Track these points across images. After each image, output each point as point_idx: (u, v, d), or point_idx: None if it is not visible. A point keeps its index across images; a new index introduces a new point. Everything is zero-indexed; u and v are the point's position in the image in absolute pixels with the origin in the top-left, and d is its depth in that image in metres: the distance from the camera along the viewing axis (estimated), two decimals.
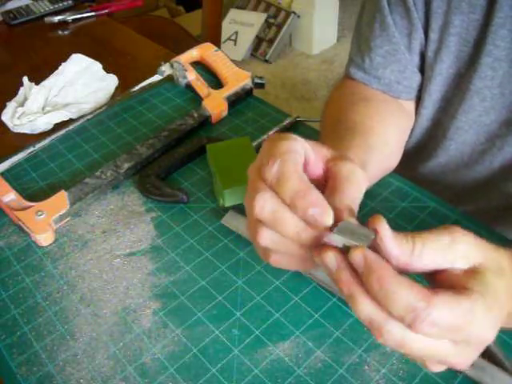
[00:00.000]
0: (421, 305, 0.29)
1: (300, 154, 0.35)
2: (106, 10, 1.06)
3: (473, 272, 0.32)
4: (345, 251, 0.32)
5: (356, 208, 0.35)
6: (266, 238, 0.35)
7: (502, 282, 0.33)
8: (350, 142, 0.51)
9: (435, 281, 0.33)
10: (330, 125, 0.58)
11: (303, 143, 0.36)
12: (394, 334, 0.31)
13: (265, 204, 0.34)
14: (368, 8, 0.63)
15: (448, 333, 0.31)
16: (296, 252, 0.36)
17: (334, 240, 0.33)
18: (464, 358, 0.33)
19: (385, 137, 0.55)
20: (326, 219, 0.32)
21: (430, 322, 0.29)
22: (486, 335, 0.32)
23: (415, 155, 0.71)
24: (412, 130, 0.68)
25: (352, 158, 0.45)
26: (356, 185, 0.36)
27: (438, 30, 0.57)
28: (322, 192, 0.34)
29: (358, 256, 0.31)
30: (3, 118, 0.75)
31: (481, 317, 0.31)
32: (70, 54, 0.82)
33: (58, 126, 0.73)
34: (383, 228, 0.32)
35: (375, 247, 0.32)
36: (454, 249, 0.32)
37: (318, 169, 0.37)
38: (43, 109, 0.77)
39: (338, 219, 0.33)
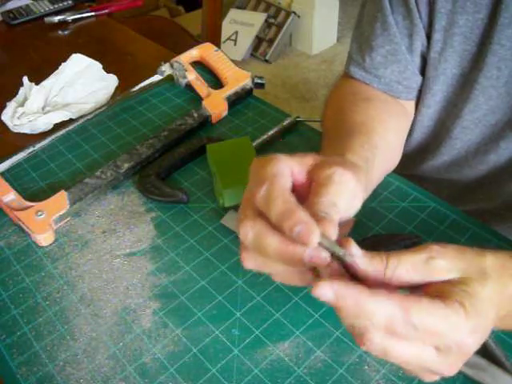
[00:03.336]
0: (399, 311, 0.31)
1: (286, 175, 0.36)
2: (106, 10, 1.06)
3: (455, 282, 0.33)
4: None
5: (338, 208, 0.36)
6: (249, 261, 0.37)
7: (486, 289, 0.33)
8: (352, 141, 0.51)
9: (422, 293, 0.34)
10: (332, 126, 0.58)
11: (288, 161, 0.38)
12: (376, 343, 0.32)
13: (248, 231, 0.35)
14: (369, 7, 0.62)
15: (427, 338, 0.31)
16: (283, 271, 0.37)
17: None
18: (448, 366, 0.33)
19: (386, 137, 0.55)
20: (311, 237, 0.32)
21: (410, 326, 0.31)
22: (467, 343, 0.32)
23: (417, 154, 0.71)
24: (413, 130, 0.68)
25: (352, 158, 0.45)
26: (334, 186, 0.36)
27: (442, 29, 0.57)
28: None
29: (325, 291, 0.31)
30: (3, 118, 0.75)
31: (460, 325, 0.31)
32: (70, 54, 0.82)
33: (57, 126, 0.73)
34: (353, 247, 0.33)
35: (350, 268, 0.34)
36: (431, 265, 0.33)
37: (305, 180, 0.39)
38: (43, 109, 0.77)
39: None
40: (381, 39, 0.60)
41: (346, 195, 0.37)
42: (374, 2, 0.60)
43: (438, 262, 0.33)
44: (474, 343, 0.32)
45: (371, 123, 0.56)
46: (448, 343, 0.32)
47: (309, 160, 0.39)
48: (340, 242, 0.34)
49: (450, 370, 0.33)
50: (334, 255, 0.33)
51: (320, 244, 0.33)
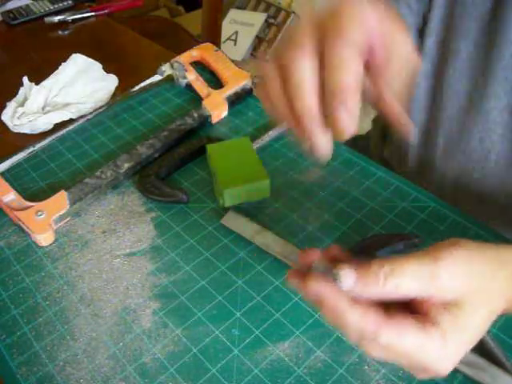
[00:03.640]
0: (370, 330, 0.31)
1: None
2: (106, 10, 1.06)
3: (447, 304, 0.32)
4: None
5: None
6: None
7: (478, 315, 0.32)
8: None
9: (409, 302, 0.33)
10: None
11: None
12: (353, 342, 0.33)
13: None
14: None
15: (397, 357, 0.32)
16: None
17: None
18: (425, 377, 0.34)
19: None
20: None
21: (378, 346, 0.31)
22: (438, 369, 0.32)
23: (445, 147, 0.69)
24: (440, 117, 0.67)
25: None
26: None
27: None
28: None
29: (313, 287, 0.33)
30: (3, 118, 0.75)
31: (433, 351, 0.31)
32: (70, 54, 0.82)
33: (57, 126, 0.73)
34: (346, 278, 0.32)
35: None
36: (433, 284, 0.32)
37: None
38: (43, 109, 0.77)
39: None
40: None
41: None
42: None
43: (441, 282, 0.32)
44: (449, 369, 0.33)
45: None
46: (418, 364, 0.32)
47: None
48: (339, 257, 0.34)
49: (427, 377, 0.34)
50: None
51: (315, 269, 0.33)
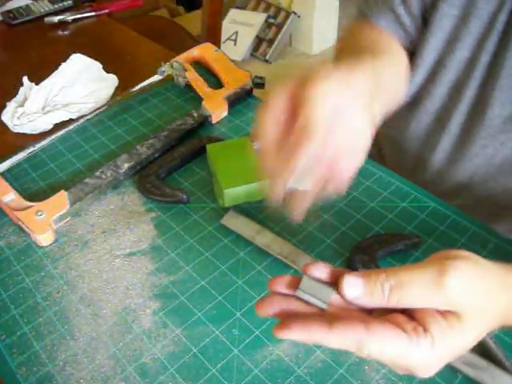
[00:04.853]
0: (352, 347, 0.31)
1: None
2: (106, 10, 1.06)
3: (446, 312, 0.32)
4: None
5: (317, 122, 0.38)
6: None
7: (473, 332, 0.32)
8: (349, 52, 0.52)
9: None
10: (336, 55, 0.61)
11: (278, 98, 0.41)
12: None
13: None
14: None
15: (386, 361, 0.32)
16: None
17: (300, 296, 0.33)
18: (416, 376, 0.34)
19: (391, 46, 0.58)
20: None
21: (363, 354, 0.31)
22: (421, 373, 0.33)
23: (423, 144, 0.70)
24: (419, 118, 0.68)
25: (341, 60, 0.47)
26: (310, 102, 0.39)
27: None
28: None
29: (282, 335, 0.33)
30: (3, 118, 0.75)
31: (418, 358, 0.31)
32: (70, 54, 0.82)
33: (57, 126, 0.73)
34: (349, 290, 0.32)
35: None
36: (437, 298, 0.31)
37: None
38: (43, 109, 0.77)
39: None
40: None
41: (325, 102, 0.39)
42: None
43: (446, 295, 0.31)
44: (430, 374, 0.33)
45: (376, 38, 0.58)
46: (400, 368, 0.33)
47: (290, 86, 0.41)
48: (337, 273, 0.34)
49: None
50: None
51: (298, 298, 0.33)
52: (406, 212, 0.59)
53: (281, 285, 0.34)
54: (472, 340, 0.33)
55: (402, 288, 0.31)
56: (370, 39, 0.61)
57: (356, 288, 0.32)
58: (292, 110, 0.40)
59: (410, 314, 0.32)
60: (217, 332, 0.49)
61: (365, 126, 0.42)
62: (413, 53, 0.64)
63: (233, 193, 0.58)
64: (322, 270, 0.34)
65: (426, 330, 0.31)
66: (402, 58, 0.62)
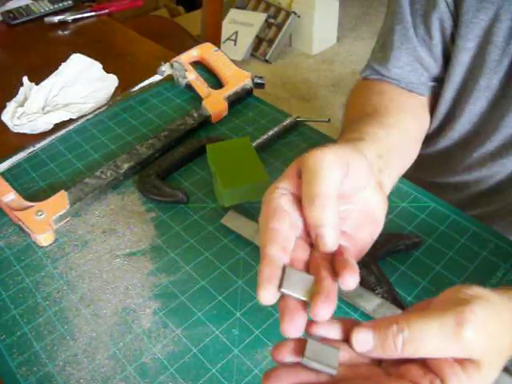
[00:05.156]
0: None
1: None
2: (106, 10, 1.06)
3: (464, 361, 0.31)
4: None
5: (329, 196, 0.35)
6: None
7: (490, 376, 0.31)
8: (358, 126, 0.49)
9: None
10: (345, 127, 0.59)
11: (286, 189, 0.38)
12: None
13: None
14: (388, 18, 0.63)
15: None
16: None
17: (308, 364, 0.32)
18: None
19: (400, 119, 0.55)
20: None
21: None
22: None
23: (460, 148, 0.69)
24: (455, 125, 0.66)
25: (348, 136, 0.45)
26: (311, 181, 0.36)
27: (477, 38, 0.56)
28: None
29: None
30: (3, 118, 0.75)
31: None
32: (70, 54, 0.82)
33: (57, 126, 0.73)
34: (362, 344, 0.32)
35: None
36: (455, 347, 0.30)
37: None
38: (43, 109, 0.77)
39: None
40: (398, 52, 0.61)
41: (333, 180, 0.35)
42: (394, 14, 0.60)
43: (464, 346, 0.30)
44: None
45: (384, 110, 0.55)
46: None
47: (292, 170, 0.38)
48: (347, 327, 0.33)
49: None
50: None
51: (311, 344, 0.32)
52: (406, 212, 0.59)
53: (286, 353, 0.32)
54: (491, 379, 0.32)
55: (417, 341, 0.30)
56: (377, 102, 0.59)
57: (367, 343, 0.31)
58: (297, 185, 0.37)
59: (424, 361, 0.31)
60: (217, 332, 0.49)
61: (380, 209, 0.41)
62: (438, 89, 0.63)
63: (233, 193, 0.58)
64: (326, 329, 0.33)
65: (444, 381, 0.30)
66: (417, 115, 0.61)
